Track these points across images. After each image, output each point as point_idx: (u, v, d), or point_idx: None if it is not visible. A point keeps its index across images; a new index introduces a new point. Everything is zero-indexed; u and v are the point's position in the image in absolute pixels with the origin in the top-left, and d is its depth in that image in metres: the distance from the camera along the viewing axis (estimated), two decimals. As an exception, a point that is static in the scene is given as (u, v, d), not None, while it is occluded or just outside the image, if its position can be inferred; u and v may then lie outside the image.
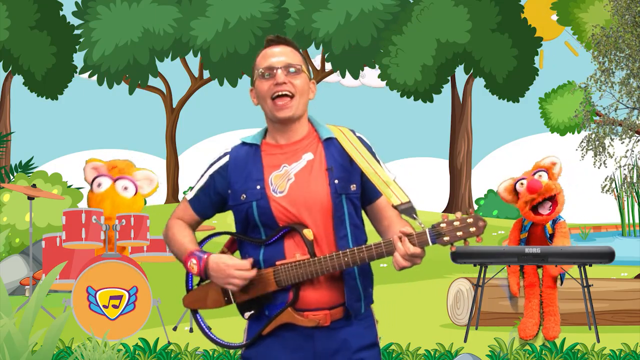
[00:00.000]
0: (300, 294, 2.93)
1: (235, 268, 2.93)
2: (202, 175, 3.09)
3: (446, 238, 2.79)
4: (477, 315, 7.85)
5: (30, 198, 8.56)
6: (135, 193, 8.32)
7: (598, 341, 7.30)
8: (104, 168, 8.44)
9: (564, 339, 7.18)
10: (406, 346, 6.93)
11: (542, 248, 7.46)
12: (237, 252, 3.11)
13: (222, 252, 3.09)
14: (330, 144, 3.01)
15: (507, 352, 6.90)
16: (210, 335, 3.11)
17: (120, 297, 7.44)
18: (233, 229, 3.09)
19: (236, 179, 3.01)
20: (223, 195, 3.04)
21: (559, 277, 7.74)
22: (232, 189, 3.02)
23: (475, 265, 7.75)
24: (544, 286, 7.66)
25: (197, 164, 21.59)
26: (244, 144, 3.07)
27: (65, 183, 12.64)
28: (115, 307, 7.42)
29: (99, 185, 8.29)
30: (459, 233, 2.79)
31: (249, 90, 3.08)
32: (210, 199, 3.07)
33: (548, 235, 7.75)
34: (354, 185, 2.98)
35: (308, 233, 2.92)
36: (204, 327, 3.12)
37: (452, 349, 6.92)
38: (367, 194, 3.02)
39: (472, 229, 2.78)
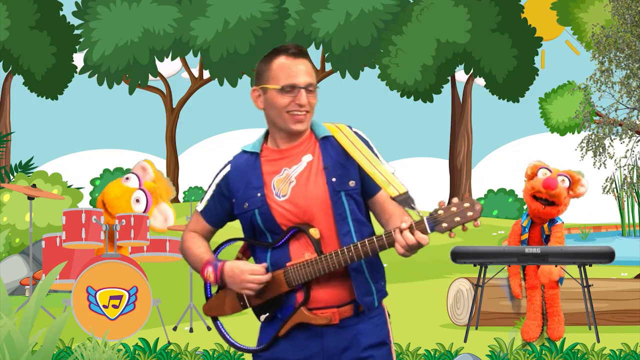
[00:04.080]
0: (310, 293, 2.97)
1: (249, 273, 2.97)
2: (209, 186, 3.13)
3: (444, 225, 2.79)
4: (477, 315, 7.85)
5: (30, 198, 8.56)
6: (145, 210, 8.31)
7: (598, 341, 7.30)
8: (149, 178, 8.39)
9: (564, 339, 7.18)
10: (406, 346, 6.93)
11: (542, 248, 7.45)
12: (252, 258, 3.14)
13: (237, 258, 3.13)
14: (327, 142, 3.04)
15: (507, 352, 6.90)
16: (231, 341, 3.14)
17: (120, 297, 7.44)
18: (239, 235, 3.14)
19: (237, 188, 3.05)
20: (232, 202, 3.08)
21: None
22: (235, 197, 3.06)
23: (475, 265, 7.74)
24: (546, 287, 7.64)
25: (197, 164, 21.62)
26: (244, 152, 3.10)
27: (65, 183, 12.62)
28: (115, 307, 7.42)
29: (127, 179, 8.34)
30: (457, 219, 2.79)
31: (251, 90, 3.06)
32: (222, 206, 3.11)
33: (544, 237, 7.72)
34: (353, 182, 3.00)
35: (314, 232, 2.95)
36: (225, 333, 3.15)
37: (452, 349, 6.92)
38: (367, 188, 3.03)
39: (470, 214, 2.78)
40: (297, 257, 2.96)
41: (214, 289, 3.16)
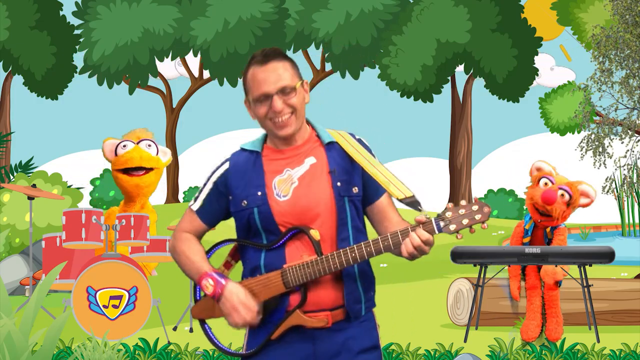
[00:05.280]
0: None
1: (243, 306, 2.92)
2: (204, 185, 3.08)
3: (452, 226, 2.81)
4: (477, 315, 7.85)
5: (30, 198, 8.56)
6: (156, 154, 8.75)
7: (598, 341, 7.30)
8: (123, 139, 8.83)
9: (564, 339, 7.18)
10: (406, 346, 6.93)
11: (542, 248, 7.44)
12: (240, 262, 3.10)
13: (227, 262, 3.09)
14: (332, 147, 3.02)
15: (507, 352, 6.90)
16: (220, 345, 3.09)
17: (120, 297, 7.44)
18: (234, 235, 3.09)
19: (237, 185, 3.01)
20: (229, 199, 3.04)
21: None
22: (232, 195, 3.01)
23: (475, 265, 7.74)
24: (545, 288, 7.64)
25: (197, 164, 21.62)
26: (243, 150, 3.06)
27: (65, 183, 12.63)
28: (115, 307, 7.42)
29: (125, 146, 8.60)
30: (465, 221, 2.81)
31: (244, 101, 3.04)
32: (219, 205, 3.06)
33: (546, 241, 7.69)
34: (356, 188, 2.99)
35: (315, 234, 2.93)
36: (212, 337, 3.10)
37: (452, 349, 6.92)
38: (368, 194, 3.03)
39: (478, 216, 2.80)
40: (292, 259, 2.93)
41: (203, 291, 3.10)
